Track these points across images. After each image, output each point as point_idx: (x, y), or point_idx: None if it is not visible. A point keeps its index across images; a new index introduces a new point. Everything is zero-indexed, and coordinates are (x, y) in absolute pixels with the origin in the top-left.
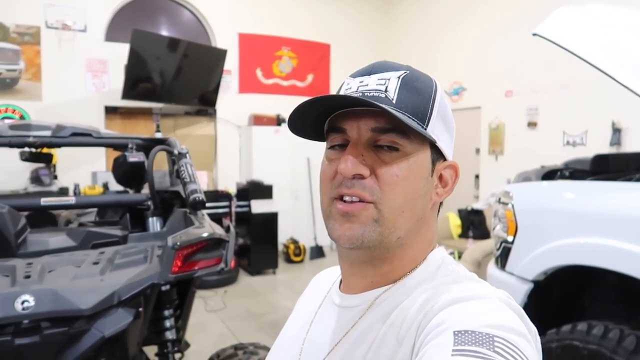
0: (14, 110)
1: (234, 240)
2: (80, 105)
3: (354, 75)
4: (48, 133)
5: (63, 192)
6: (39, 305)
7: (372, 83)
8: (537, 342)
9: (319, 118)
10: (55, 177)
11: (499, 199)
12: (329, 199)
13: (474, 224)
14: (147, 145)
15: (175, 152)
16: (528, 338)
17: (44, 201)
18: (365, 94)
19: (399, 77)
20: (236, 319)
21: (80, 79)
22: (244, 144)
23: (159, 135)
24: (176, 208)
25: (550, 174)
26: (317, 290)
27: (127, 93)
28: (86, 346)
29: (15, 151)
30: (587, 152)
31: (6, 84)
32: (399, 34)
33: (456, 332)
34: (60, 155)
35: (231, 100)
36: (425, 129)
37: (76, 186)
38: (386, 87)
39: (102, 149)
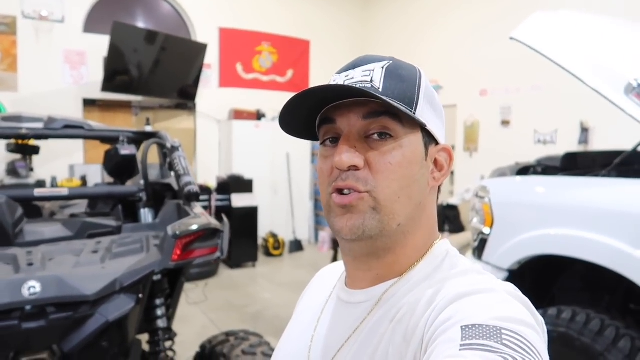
0: None
1: (229, 230)
2: (58, 97)
3: (340, 72)
4: (40, 125)
5: (40, 184)
6: (45, 290)
7: (357, 75)
8: (544, 332)
9: (309, 115)
10: (32, 170)
11: (477, 193)
12: (327, 195)
13: (449, 218)
14: (138, 139)
15: (168, 145)
16: (536, 328)
17: (38, 192)
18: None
19: (383, 67)
20: (218, 310)
21: (58, 70)
22: (224, 138)
23: (149, 128)
24: (167, 200)
25: (523, 170)
26: (321, 286)
27: (106, 85)
28: (90, 330)
29: None
30: (557, 150)
31: None
32: (377, 32)
33: (464, 327)
34: None
35: (211, 95)
36: (414, 114)
37: (53, 179)
38: (371, 78)
39: (80, 142)
